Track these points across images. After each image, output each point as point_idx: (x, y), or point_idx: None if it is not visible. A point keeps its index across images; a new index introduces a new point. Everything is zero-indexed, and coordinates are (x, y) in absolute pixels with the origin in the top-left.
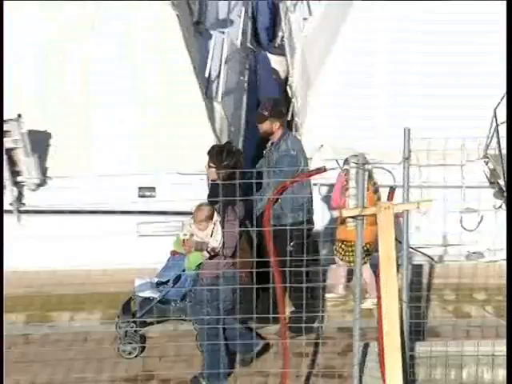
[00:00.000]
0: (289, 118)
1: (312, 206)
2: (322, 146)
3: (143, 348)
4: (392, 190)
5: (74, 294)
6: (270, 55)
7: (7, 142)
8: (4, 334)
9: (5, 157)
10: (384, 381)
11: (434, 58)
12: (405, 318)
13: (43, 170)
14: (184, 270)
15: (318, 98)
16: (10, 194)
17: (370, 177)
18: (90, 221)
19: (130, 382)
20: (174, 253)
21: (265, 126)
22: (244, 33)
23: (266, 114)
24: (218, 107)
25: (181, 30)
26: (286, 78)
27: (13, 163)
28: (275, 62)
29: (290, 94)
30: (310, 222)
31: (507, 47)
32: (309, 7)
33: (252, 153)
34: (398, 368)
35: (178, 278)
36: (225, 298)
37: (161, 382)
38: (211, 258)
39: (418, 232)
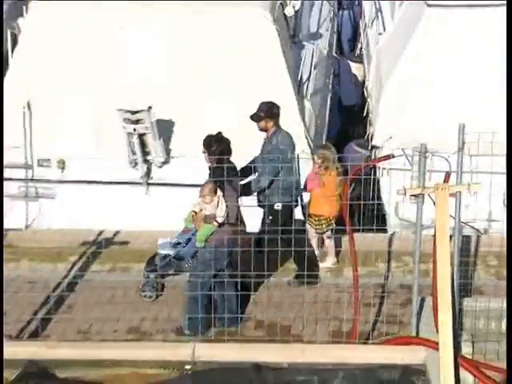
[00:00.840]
0: (364, 114)
1: (298, 189)
2: (390, 137)
3: (160, 294)
4: (448, 174)
5: None
6: (350, 62)
7: (140, 129)
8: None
9: (137, 140)
10: (437, 329)
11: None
12: (455, 278)
13: (167, 151)
14: (194, 234)
15: (388, 98)
16: (141, 169)
17: (335, 163)
18: None
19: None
20: (185, 230)
21: (261, 124)
22: (330, 44)
23: (262, 114)
24: (307, 104)
25: (279, 41)
26: (363, 82)
27: (144, 145)
28: (354, 68)
29: (365, 95)
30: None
31: (507, 48)
32: (383, 24)
33: (333, 141)
34: (449, 319)
35: (189, 240)
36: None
37: (256, 323)
38: (219, 226)
39: (467, 209)
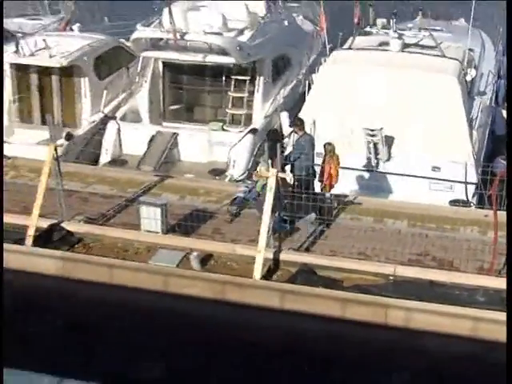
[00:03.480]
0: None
1: (313, 168)
2: None
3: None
4: None
5: None
6: (502, 109)
7: (375, 140)
8: None
9: (373, 146)
10: None
11: None
12: None
13: (389, 154)
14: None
15: None
16: (374, 163)
17: (335, 153)
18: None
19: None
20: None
21: (295, 129)
22: (491, 98)
23: (297, 123)
24: (474, 133)
25: (461, 96)
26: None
27: (376, 150)
28: (505, 113)
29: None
30: (310, 175)
31: (507, 48)
32: None
33: (487, 156)
34: None
35: (251, 189)
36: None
37: (432, 258)
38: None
39: None
